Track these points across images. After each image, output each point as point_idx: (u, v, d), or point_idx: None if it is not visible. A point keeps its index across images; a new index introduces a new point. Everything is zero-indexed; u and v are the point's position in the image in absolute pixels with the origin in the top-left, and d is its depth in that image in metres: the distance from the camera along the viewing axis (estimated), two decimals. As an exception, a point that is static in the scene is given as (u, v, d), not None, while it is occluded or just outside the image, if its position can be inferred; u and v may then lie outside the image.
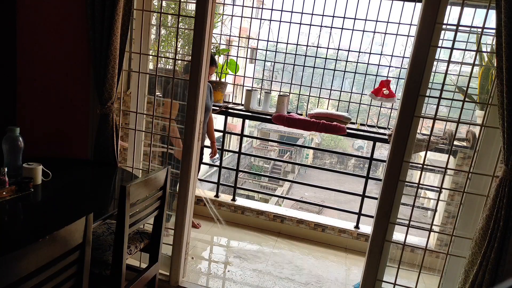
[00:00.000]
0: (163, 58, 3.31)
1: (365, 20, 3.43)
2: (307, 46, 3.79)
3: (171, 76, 2.26)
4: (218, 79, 3.54)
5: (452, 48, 1.89)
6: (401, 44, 3.46)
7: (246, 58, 3.97)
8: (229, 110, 3.40)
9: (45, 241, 1.12)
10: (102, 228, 1.94)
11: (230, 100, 3.80)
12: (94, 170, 2.28)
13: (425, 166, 2.00)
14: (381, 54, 3.59)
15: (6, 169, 1.69)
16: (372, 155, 3.35)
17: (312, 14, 3.49)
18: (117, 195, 1.73)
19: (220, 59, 3.50)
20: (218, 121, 3.50)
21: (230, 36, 4.11)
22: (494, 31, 1.68)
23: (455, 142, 2.95)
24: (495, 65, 1.71)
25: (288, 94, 3.51)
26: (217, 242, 3.27)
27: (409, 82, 1.89)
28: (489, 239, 1.77)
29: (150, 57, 2.60)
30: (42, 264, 1.12)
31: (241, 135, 3.95)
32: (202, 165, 3.45)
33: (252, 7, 3.77)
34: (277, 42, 3.66)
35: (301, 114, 3.42)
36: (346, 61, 3.75)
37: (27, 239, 1.42)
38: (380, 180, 2.62)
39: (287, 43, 3.69)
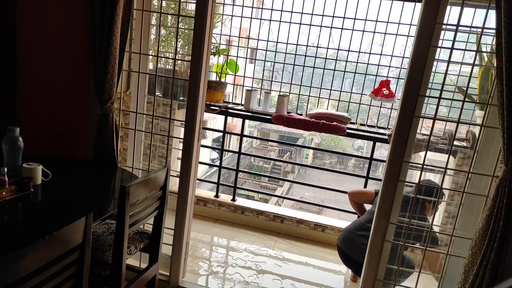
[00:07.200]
0: (163, 58, 3.31)
1: (365, 20, 3.43)
2: (307, 46, 3.79)
3: (171, 76, 2.26)
4: (218, 79, 3.53)
5: (452, 48, 1.89)
6: (401, 44, 3.45)
7: (246, 58, 3.97)
8: (229, 110, 3.40)
9: (45, 241, 1.12)
10: (102, 228, 1.94)
11: (230, 100, 3.80)
12: (94, 170, 2.28)
13: (425, 166, 2.00)
14: (381, 54, 3.59)
15: (6, 169, 1.69)
16: (372, 155, 3.35)
17: (312, 14, 3.49)
18: (117, 195, 1.73)
19: (220, 59, 3.50)
20: (218, 121, 3.50)
21: (230, 36, 4.11)
22: (494, 31, 1.68)
23: (455, 142, 2.94)
24: (495, 65, 1.71)
25: (288, 94, 3.50)
26: (217, 242, 3.26)
27: (409, 82, 1.90)
28: (489, 239, 1.77)
29: (150, 57, 2.60)
30: (41, 264, 1.12)
31: (241, 135, 3.95)
32: (202, 165, 3.44)
33: (252, 7, 3.76)
34: (277, 42, 3.66)
35: (301, 114, 3.41)
36: (346, 61, 3.74)
37: (27, 239, 1.42)
38: (380, 180, 2.62)
39: (287, 43, 3.69)
